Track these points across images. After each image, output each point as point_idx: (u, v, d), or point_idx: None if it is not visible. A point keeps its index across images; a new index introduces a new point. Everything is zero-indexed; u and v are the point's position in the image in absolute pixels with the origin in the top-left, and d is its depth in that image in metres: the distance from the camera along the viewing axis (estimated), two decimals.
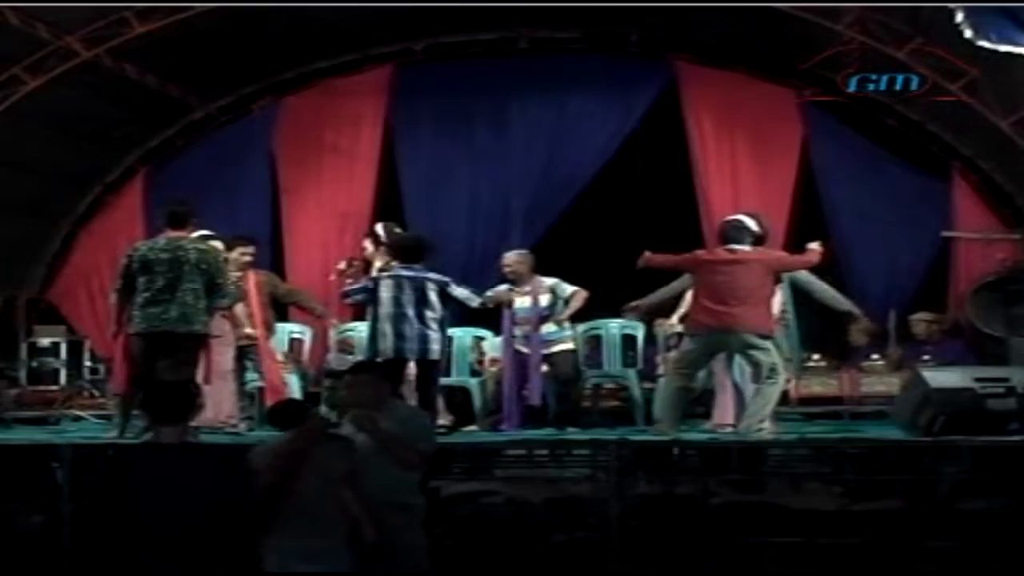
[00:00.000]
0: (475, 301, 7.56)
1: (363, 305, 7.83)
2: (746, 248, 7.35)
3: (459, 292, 7.41)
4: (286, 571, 4.98)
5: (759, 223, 7.68)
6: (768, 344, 7.19)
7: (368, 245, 8.17)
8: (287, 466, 5.03)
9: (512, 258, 8.35)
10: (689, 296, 7.76)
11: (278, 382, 8.02)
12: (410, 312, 7.21)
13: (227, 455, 5.14)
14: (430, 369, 7.34)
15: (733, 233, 7.38)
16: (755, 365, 7.18)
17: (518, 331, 8.08)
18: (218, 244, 7.80)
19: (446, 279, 7.42)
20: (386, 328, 7.24)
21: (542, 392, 8.08)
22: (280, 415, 5.46)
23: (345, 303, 8.35)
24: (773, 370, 7.15)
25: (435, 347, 7.27)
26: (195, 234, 7.51)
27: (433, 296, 7.26)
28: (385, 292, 7.28)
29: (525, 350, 8.07)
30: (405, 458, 5.54)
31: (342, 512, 5.00)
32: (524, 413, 8.04)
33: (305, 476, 5.00)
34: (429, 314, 7.24)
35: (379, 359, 7.20)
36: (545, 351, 8.07)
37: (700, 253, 7.56)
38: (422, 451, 5.65)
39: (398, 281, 7.29)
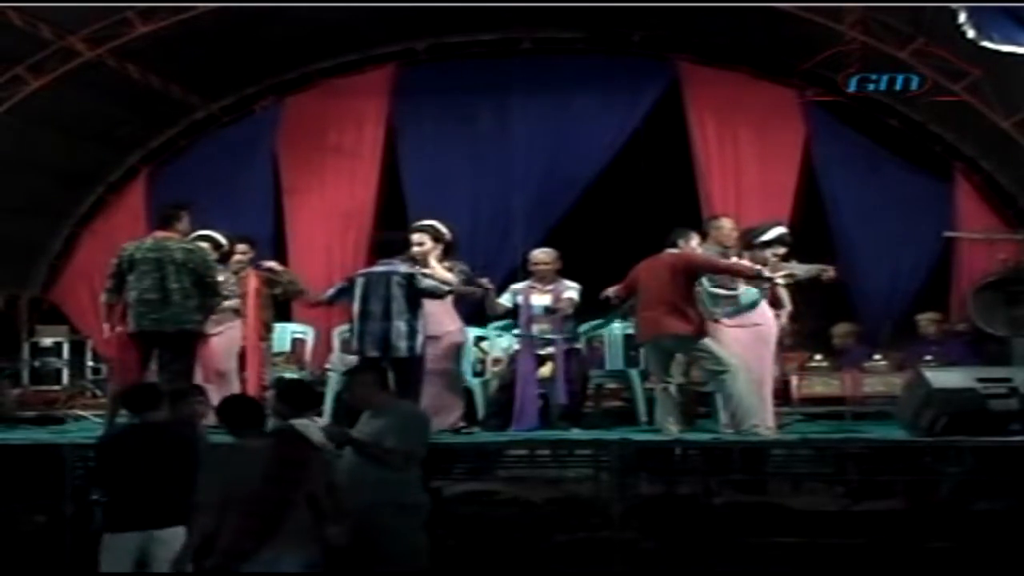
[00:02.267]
0: (443, 290, 7.40)
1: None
2: (673, 252, 7.47)
3: (426, 283, 7.27)
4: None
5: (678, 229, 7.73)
6: (702, 344, 7.27)
7: (426, 241, 7.81)
8: (294, 475, 5.01)
9: (542, 256, 8.27)
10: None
11: (258, 386, 7.99)
12: (375, 309, 7.10)
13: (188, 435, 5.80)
14: (399, 367, 7.04)
15: (671, 238, 7.53)
16: (705, 368, 7.36)
17: (535, 329, 8.07)
18: (203, 245, 7.76)
19: (412, 271, 7.29)
20: (356, 327, 7.20)
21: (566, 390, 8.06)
22: (232, 413, 5.46)
23: (331, 307, 8.26)
24: (719, 365, 7.21)
25: (401, 344, 7.06)
26: (194, 233, 7.56)
27: (397, 290, 7.11)
28: (358, 290, 7.22)
29: (542, 350, 8.07)
30: (385, 460, 5.55)
31: (313, 519, 4.98)
32: (540, 412, 8.02)
33: (309, 485, 5.00)
34: (395, 309, 7.08)
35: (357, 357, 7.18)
36: (552, 351, 8.05)
37: (637, 266, 7.64)
38: (404, 451, 5.64)
39: (368, 278, 7.25)
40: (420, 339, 7.18)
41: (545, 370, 8.05)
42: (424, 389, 7.23)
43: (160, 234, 7.21)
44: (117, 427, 6.26)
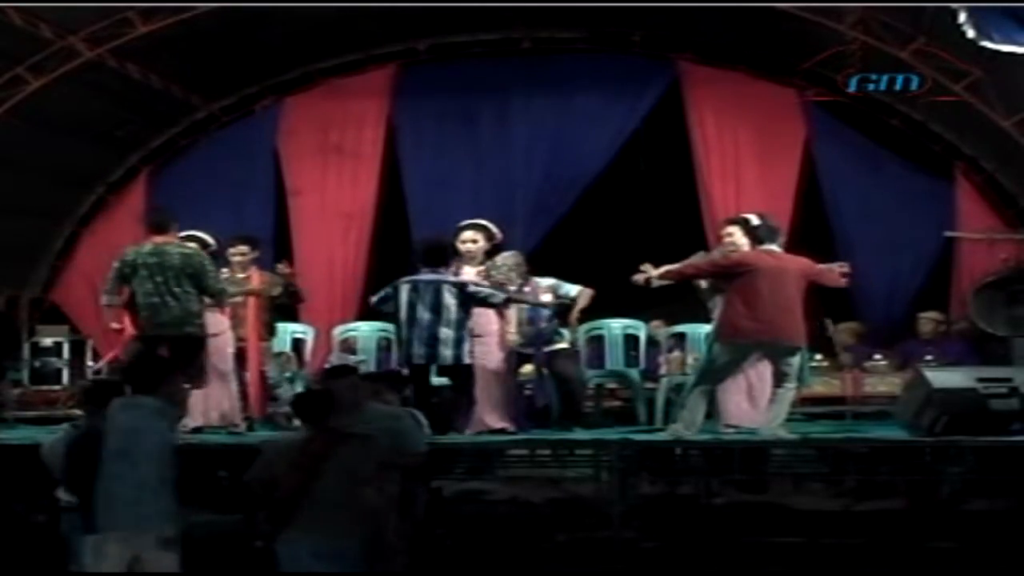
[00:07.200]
0: (498, 298, 7.41)
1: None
2: (783, 252, 7.21)
3: (480, 291, 7.32)
4: (297, 568, 5.01)
5: (767, 223, 7.60)
6: (802, 353, 7.16)
7: (480, 239, 7.81)
8: (311, 465, 5.05)
9: (498, 260, 8.00)
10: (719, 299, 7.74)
11: (259, 385, 8.02)
12: (424, 316, 7.15)
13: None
14: (452, 374, 7.30)
15: (769, 234, 7.20)
16: (782, 372, 7.10)
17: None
18: (192, 245, 7.78)
19: (464, 280, 7.37)
20: (403, 334, 7.26)
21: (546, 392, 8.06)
22: (305, 407, 5.48)
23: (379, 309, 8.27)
24: (793, 377, 7.15)
25: (447, 352, 7.16)
26: (182, 233, 7.66)
27: (449, 298, 7.17)
28: (403, 297, 7.24)
29: (523, 351, 8.05)
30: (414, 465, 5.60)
31: (361, 513, 5.01)
32: (527, 414, 8.02)
33: (328, 475, 5.04)
34: (444, 318, 7.15)
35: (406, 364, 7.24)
36: (532, 352, 8.01)
37: (743, 256, 7.23)
38: (410, 453, 5.68)
39: (415, 286, 7.26)
40: (467, 347, 7.26)
41: (525, 369, 8.04)
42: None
43: (157, 239, 7.31)
44: (86, 426, 6.09)
